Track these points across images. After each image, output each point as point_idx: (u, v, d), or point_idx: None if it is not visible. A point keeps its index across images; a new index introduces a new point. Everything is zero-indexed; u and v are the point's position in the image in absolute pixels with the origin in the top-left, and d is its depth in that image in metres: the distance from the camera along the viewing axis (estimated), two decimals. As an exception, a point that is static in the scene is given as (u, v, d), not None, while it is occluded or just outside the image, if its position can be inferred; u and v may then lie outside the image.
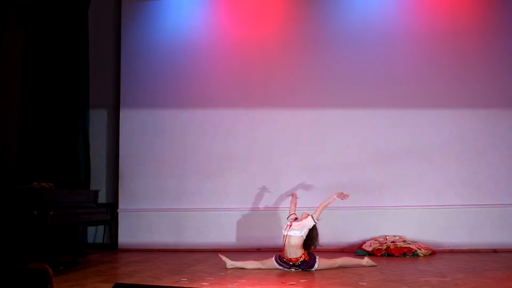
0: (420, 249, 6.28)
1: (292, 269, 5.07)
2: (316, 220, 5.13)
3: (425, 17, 7.28)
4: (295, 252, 5.06)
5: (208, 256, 6.41)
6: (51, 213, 4.89)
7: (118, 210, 7.57)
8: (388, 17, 7.36)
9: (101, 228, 7.71)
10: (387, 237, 6.65)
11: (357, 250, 6.56)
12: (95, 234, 7.74)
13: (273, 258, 5.19)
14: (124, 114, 7.78)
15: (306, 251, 5.08)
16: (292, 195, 5.85)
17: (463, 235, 6.67)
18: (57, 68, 7.04)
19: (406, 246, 6.33)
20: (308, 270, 5.04)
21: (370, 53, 7.28)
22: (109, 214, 6.20)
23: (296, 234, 5.08)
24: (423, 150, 6.96)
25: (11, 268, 2.36)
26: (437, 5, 7.29)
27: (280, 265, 5.13)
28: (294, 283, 4.38)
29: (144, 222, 7.47)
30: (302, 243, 5.07)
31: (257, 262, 5.28)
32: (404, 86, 7.14)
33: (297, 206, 5.62)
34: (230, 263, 5.24)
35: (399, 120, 7.10)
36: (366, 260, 5.26)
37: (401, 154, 7.00)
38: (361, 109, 7.18)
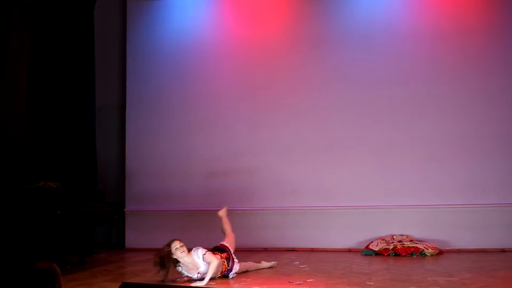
0: (427, 249, 6.25)
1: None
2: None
3: (430, 15, 7.22)
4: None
5: (215, 255, 6.39)
6: (58, 212, 4.91)
7: (125, 210, 7.59)
8: (394, 16, 7.31)
9: (108, 227, 7.73)
10: (394, 237, 6.62)
11: (364, 249, 6.54)
12: (103, 233, 7.76)
13: None
14: (130, 113, 7.80)
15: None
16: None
17: (470, 234, 6.61)
18: (63, 68, 7.07)
19: (413, 245, 6.29)
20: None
21: (375, 52, 7.23)
22: (116, 214, 6.21)
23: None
24: (429, 149, 6.91)
25: (19, 267, 2.37)
26: (442, 4, 7.24)
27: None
28: (301, 282, 4.37)
29: (150, 222, 7.49)
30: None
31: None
32: (409, 85, 7.08)
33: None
34: None
35: (405, 119, 7.05)
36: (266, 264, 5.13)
37: (408, 153, 6.95)
38: (366, 108, 7.13)
